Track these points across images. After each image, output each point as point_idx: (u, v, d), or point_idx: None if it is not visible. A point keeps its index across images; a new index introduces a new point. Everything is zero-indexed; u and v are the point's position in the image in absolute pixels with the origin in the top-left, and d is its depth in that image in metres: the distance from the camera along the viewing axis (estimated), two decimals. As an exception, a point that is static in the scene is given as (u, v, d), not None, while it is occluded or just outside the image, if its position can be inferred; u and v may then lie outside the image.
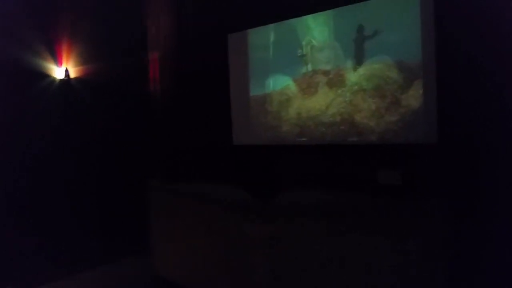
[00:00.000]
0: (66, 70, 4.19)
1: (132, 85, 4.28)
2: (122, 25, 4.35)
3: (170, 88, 4.56)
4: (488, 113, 2.84)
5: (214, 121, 4.42)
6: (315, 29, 3.76)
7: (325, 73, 3.72)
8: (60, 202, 3.91)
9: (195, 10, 4.48)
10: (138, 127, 4.29)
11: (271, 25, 4.04)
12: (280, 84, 4.01)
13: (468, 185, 2.88)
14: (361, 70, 3.50)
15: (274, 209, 3.09)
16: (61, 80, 4.17)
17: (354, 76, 3.55)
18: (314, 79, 3.79)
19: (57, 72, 4.17)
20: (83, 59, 4.25)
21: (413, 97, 3.24)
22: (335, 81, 3.66)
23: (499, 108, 2.79)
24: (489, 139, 2.83)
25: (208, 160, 4.27)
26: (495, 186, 2.78)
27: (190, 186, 3.67)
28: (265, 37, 4.09)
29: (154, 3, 4.64)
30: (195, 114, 4.50)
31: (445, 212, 2.93)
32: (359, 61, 3.51)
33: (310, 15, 3.77)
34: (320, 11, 3.71)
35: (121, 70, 4.17)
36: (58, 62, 4.17)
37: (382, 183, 3.35)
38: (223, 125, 4.36)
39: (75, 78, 4.23)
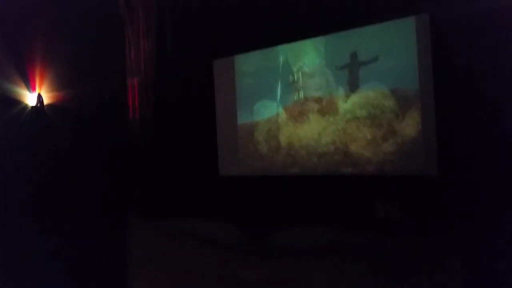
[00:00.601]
0: (39, 96, 3.92)
1: (110, 112, 4.03)
2: (101, 49, 4.14)
3: (151, 116, 4.32)
4: (491, 143, 2.71)
5: (198, 150, 4.18)
6: (306, 55, 3.62)
7: (317, 100, 3.57)
8: (30, 240, 3.55)
9: (178, 35, 4.30)
10: (117, 159, 4.02)
11: (260, 51, 3.88)
12: (269, 111, 3.82)
13: (470, 220, 2.72)
14: (355, 98, 3.36)
15: (267, 249, 2.86)
16: (33, 107, 3.89)
17: (347, 104, 3.40)
18: (305, 106, 3.62)
19: (29, 98, 3.90)
20: (58, 85, 3.99)
21: (411, 127, 3.10)
22: (328, 109, 3.51)
23: (502, 137, 2.67)
24: (492, 171, 2.69)
25: (192, 192, 4.00)
26: (499, 220, 2.63)
27: (173, 222, 3.41)
28: (253, 63, 3.93)
29: (134, 27, 4.45)
30: (178, 144, 4.24)
31: (446, 248, 2.77)
32: (352, 88, 3.37)
33: (301, 41, 3.64)
34: (312, 37, 3.58)
35: (98, 96, 3.92)
36: (31, 87, 3.90)
37: (381, 217, 3.17)
38: (208, 155, 4.12)
39: (49, 105, 3.96)
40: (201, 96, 4.22)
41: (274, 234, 3.02)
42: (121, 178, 4.00)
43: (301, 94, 3.65)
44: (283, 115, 3.75)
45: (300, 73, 3.66)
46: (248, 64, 3.95)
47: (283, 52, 3.74)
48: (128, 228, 3.47)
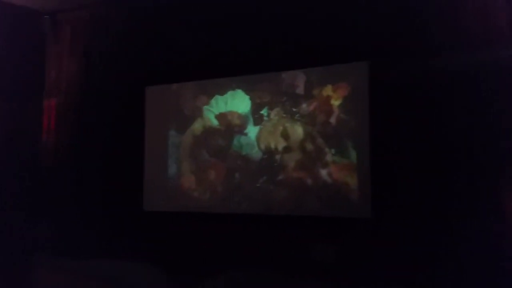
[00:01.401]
0: None
1: (21, 135, 3.64)
2: (16, 65, 3.78)
3: (68, 141, 3.96)
4: (426, 186, 2.79)
5: (120, 182, 3.83)
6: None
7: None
8: None
9: (109, 57, 4.02)
10: (24, 187, 3.62)
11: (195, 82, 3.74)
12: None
13: (404, 262, 2.73)
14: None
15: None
16: None
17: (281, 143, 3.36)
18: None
19: None
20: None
21: (347, 170, 3.12)
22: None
23: (436, 180, 2.77)
24: (427, 214, 2.76)
25: (110, 229, 3.63)
26: (432, 265, 2.67)
27: (85, 262, 3.03)
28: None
29: (58, 44, 4.12)
30: (96, 173, 3.90)
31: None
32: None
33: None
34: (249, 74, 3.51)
35: (8, 116, 3.50)
36: None
37: (315, 259, 3.09)
38: (131, 187, 3.78)
39: None
40: (128, 124, 3.92)
41: (207, 280, 2.77)
42: (27, 210, 3.61)
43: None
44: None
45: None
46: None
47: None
48: (32, 268, 3.00)
